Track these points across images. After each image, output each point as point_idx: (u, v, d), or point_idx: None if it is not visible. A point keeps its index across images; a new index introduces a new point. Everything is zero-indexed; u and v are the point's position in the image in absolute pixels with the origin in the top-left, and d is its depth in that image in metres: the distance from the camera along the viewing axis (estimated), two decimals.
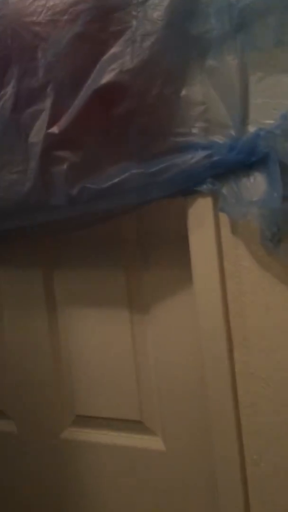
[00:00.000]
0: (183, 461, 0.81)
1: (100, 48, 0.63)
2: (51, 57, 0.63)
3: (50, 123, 0.64)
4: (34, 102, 0.65)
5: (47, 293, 0.93)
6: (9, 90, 0.65)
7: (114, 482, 0.87)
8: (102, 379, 0.88)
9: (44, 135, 0.64)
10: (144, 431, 0.86)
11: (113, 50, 0.63)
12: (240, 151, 0.65)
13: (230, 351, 0.68)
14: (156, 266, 0.82)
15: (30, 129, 0.66)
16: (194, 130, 0.67)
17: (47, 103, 0.64)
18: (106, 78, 0.63)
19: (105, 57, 0.63)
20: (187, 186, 0.68)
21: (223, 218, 0.68)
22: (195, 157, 0.66)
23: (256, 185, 0.65)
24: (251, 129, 0.65)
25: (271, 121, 0.63)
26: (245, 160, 0.65)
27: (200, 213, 0.69)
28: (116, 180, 0.65)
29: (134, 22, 0.63)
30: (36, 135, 0.65)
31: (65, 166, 0.65)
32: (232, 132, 0.65)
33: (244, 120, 0.65)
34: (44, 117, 0.64)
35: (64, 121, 0.64)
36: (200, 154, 0.66)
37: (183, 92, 0.67)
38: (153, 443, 0.85)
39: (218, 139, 0.66)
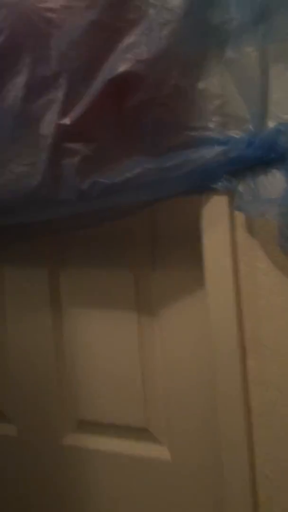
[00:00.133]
0: (190, 472, 0.78)
1: (116, 37, 0.61)
2: (65, 46, 0.61)
3: (62, 114, 0.62)
4: (45, 92, 0.62)
5: (52, 293, 0.90)
6: (20, 79, 0.63)
7: (117, 492, 0.83)
8: (107, 383, 0.85)
9: (55, 126, 0.62)
10: (150, 439, 0.82)
11: (129, 39, 0.61)
12: (259, 147, 0.62)
13: (243, 357, 0.65)
14: (167, 267, 0.79)
15: (41, 120, 0.63)
16: (211, 125, 0.64)
17: (59, 93, 0.62)
18: (121, 67, 0.61)
19: (121, 46, 0.61)
20: (202, 183, 0.65)
21: (239, 217, 0.65)
22: (211, 152, 0.63)
23: (274, 182, 0.62)
24: (271, 124, 0.62)
25: None
26: (264, 156, 0.62)
27: (215, 212, 0.66)
28: (128, 175, 0.62)
29: (151, 11, 0.60)
30: (47, 126, 0.62)
31: (76, 159, 0.62)
32: (251, 127, 0.63)
33: (263, 114, 0.62)
34: (55, 108, 0.62)
35: (76, 112, 0.61)
36: (217, 149, 0.63)
37: (200, 85, 0.64)
38: (158, 452, 0.81)
39: (236, 134, 0.63)
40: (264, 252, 0.64)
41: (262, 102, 0.62)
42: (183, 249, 0.76)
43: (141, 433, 0.83)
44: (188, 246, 0.74)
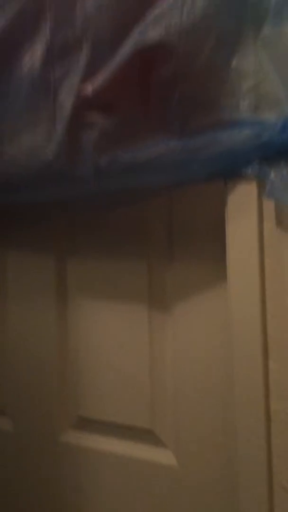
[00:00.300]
0: (197, 480, 0.72)
1: (148, 4, 0.56)
2: (92, 8, 0.56)
3: (83, 82, 0.57)
4: (67, 57, 0.57)
5: (58, 282, 0.85)
6: (41, 42, 0.58)
7: (116, 495, 0.78)
8: (111, 379, 0.80)
9: (76, 95, 0.57)
10: (154, 441, 0.77)
11: (162, 6, 0.56)
12: None
13: (265, 359, 0.60)
14: (184, 259, 0.74)
15: (60, 87, 0.58)
16: (243, 105, 0.59)
17: (82, 59, 0.57)
18: (151, 37, 0.56)
19: (152, 14, 0.56)
20: (230, 168, 0.60)
21: (268, 208, 0.60)
22: (242, 135, 0.58)
23: None
24: None
25: None
26: None
27: (242, 201, 0.61)
28: (151, 153, 0.57)
29: None
30: (67, 94, 0.57)
31: (95, 133, 0.57)
32: (287, 110, 0.58)
33: None
34: (77, 75, 0.57)
35: (99, 81, 0.56)
36: (248, 132, 0.58)
37: (234, 62, 0.60)
38: (163, 456, 0.76)
39: (270, 117, 0.58)
40: None
41: None
42: (203, 240, 0.70)
43: (145, 434, 0.77)
44: (209, 237, 0.69)
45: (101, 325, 0.81)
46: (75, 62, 0.57)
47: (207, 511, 0.70)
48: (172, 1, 0.57)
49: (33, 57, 0.58)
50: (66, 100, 0.58)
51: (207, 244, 0.70)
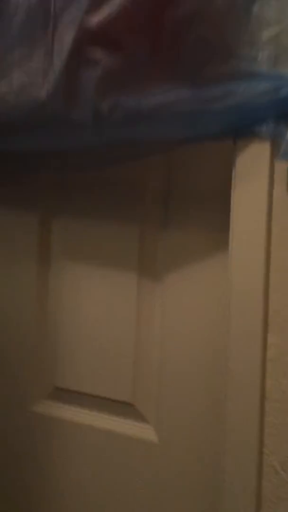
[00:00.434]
0: (178, 458, 0.69)
1: None
2: None
3: (88, 13, 0.50)
4: None
5: (41, 243, 0.79)
6: None
7: (93, 471, 0.74)
8: (93, 348, 0.75)
9: (78, 26, 0.50)
10: (135, 416, 0.73)
11: None
12: None
13: (264, 333, 0.56)
14: (180, 225, 0.69)
15: (60, 18, 0.51)
16: (262, 56, 0.54)
17: None
18: None
19: None
20: (243, 124, 0.55)
21: (280, 171, 0.55)
22: (259, 88, 0.53)
23: None
24: None
25: None
26: None
27: (252, 162, 0.56)
28: (159, 101, 0.51)
29: None
30: (68, 26, 0.51)
31: (98, 71, 0.51)
32: None
33: None
34: (81, 4, 0.50)
35: (105, 12, 0.49)
36: (265, 85, 0.53)
37: (256, 7, 0.54)
38: (144, 431, 0.72)
39: None
40: None
41: None
42: (203, 205, 0.65)
43: (125, 408, 0.73)
44: (210, 202, 0.64)
45: (85, 291, 0.76)
46: None
47: (187, 490, 0.67)
48: None
49: None
50: (67, 33, 0.51)
51: (207, 209, 0.65)
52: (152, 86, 0.51)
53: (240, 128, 0.54)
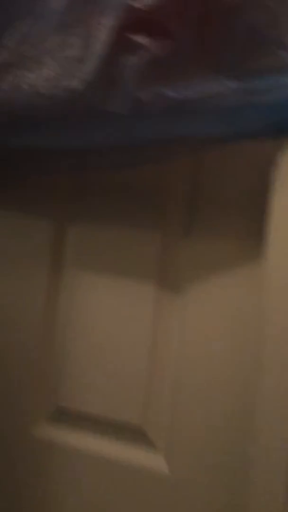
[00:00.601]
0: (190, 492, 0.62)
1: None
2: None
3: None
4: None
5: (54, 248, 0.74)
6: None
7: (96, 501, 0.66)
8: (102, 366, 0.69)
9: (122, 12, 0.47)
10: (144, 443, 0.67)
11: None
12: None
13: None
14: (205, 233, 0.64)
15: (103, 2, 0.49)
16: None
17: None
18: None
19: None
20: None
21: None
22: None
23: None
24: None
25: None
26: None
27: None
28: (203, 92, 0.48)
29: None
30: (111, 11, 0.48)
31: (140, 58, 0.47)
32: None
33: None
34: None
35: None
36: None
37: None
38: (153, 460, 0.66)
39: None
40: None
41: None
42: (233, 211, 0.61)
43: (134, 433, 0.67)
44: (241, 208, 0.61)
45: (98, 302, 0.71)
46: None
47: None
48: None
49: None
50: (109, 19, 0.48)
51: (236, 215, 0.61)
52: (196, 77, 0.48)
53: (286, 125, 0.51)
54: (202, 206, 0.65)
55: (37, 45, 0.53)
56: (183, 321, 0.66)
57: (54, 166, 0.66)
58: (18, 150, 0.62)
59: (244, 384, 0.58)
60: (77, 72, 0.50)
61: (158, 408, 0.66)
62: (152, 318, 0.67)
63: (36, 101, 0.53)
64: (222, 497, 0.60)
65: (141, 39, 0.48)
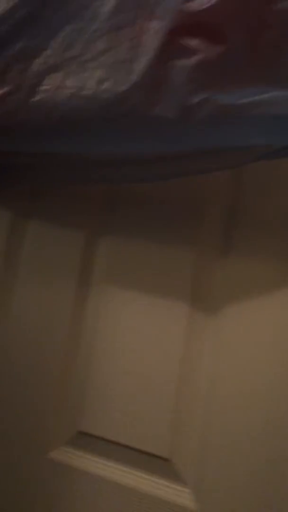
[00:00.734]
0: None
1: None
2: None
3: (187, 0, 0.46)
4: None
5: (83, 264, 0.71)
6: None
7: None
8: (128, 389, 0.65)
9: (175, 14, 0.46)
10: (171, 475, 0.62)
11: None
12: None
13: None
14: (245, 252, 0.61)
15: (155, 6, 0.47)
16: None
17: None
18: None
19: None
20: None
21: None
22: None
23: None
24: None
25: None
26: None
27: None
28: (254, 99, 0.45)
29: None
30: (163, 14, 0.46)
31: (192, 62, 0.46)
32: None
33: None
34: None
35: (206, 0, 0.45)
36: None
37: None
38: (179, 494, 0.61)
39: None
40: None
41: None
42: (276, 230, 0.58)
43: (160, 464, 0.62)
44: (285, 226, 0.58)
45: (126, 321, 0.67)
46: None
47: None
48: None
49: None
50: (161, 22, 0.46)
51: (279, 235, 0.58)
52: (248, 84, 0.46)
53: None
54: (241, 224, 0.62)
55: (84, 48, 0.51)
56: (217, 345, 0.62)
57: (89, 176, 0.64)
58: (55, 157, 0.60)
59: (285, 414, 0.54)
60: (124, 75, 0.48)
61: (187, 438, 0.61)
62: (183, 340, 0.63)
63: (80, 104, 0.51)
64: None
65: (192, 42, 0.46)
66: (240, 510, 0.58)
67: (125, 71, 0.48)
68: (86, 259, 0.71)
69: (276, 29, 0.46)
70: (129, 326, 0.67)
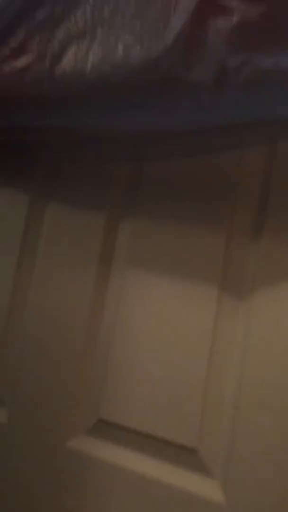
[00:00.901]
0: None
1: None
2: None
3: None
4: None
5: (105, 247, 0.69)
6: None
7: None
8: (152, 377, 0.62)
9: None
10: (197, 466, 0.59)
11: None
12: None
13: None
14: (278, 234, 0.58)
15: None
16: None
17: None
18: None
19: None
20: None
21: None
22: None
23: None
24: None
25: None
26: None
27: None
28: None
29: None
30: None
31: (231, 22, 0.43)
32: None
33: None
34: None
35: None
36: None
37: None
38: (206, 486, 0.58)
39: None
40: None
41: None
42: None
43: (187, 455, 0.59)
44: None
45: (150, 306, 0.64)
46: None
47: None
48: None
49: None
50: None
51: None
52: (281, 49, 0.43)
53: None
54: (274, 205, 0.59)
55: (112, 12, 0.49)
56: (248, 330, 0.59)
57: (115, 153, 0.61)
58: (79, 134, 0.58)
59: None
60: (157, 38, 0.45)
61: (215, 428, 0.59)
62: (212, 325, 0.60)
63: (107, 72, 0.48)
64: None
65: (231, 2, 0.43)
66: (268, 504, 0.55)
67: (157, 36, 0.45)
68: (108, 242, 0.68)
69: None
70: (153, 311, 0.64)
